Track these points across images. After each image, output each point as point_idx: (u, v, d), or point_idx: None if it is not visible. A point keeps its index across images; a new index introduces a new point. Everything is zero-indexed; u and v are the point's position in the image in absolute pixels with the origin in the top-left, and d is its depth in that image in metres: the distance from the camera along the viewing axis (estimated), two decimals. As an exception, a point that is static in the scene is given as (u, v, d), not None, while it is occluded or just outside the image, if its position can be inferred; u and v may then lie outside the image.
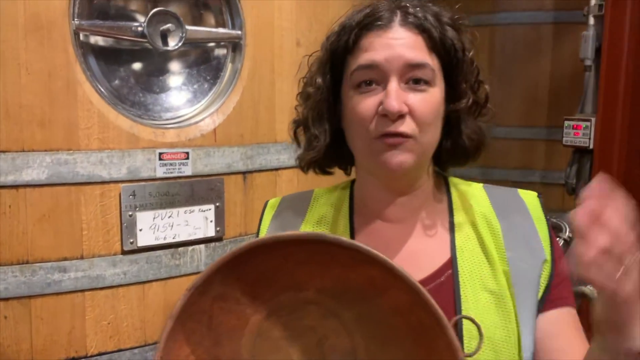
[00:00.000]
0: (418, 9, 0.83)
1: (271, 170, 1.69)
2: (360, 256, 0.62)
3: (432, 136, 0.85)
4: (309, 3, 1.71)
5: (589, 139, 2.26)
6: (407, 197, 0.89)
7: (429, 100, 0.82)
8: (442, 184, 0.95)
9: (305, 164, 0.93)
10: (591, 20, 2.25)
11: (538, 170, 3.23)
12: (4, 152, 1.29)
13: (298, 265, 0.67)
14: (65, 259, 1.37)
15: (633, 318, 0.62)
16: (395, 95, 0.79)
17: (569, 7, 2.92)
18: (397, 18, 0.82)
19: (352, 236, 0.90)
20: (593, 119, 2.25)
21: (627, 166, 2.20)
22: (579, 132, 2.29)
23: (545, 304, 0.86)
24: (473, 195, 0.92)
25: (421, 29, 0.82)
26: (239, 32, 1.58)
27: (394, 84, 0.80)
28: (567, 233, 2.72)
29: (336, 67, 0.87)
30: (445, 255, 0.86)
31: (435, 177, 0.93)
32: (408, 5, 0.84)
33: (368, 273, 0.64)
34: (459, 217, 0.90)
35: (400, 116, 0.80)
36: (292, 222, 0.94)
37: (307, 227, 0.93)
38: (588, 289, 2.11)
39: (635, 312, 0.62)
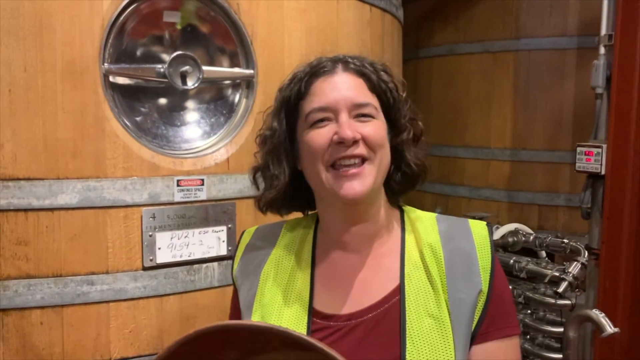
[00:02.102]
0: (356, 59, 0.98)
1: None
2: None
3: (385, 157, 0.96)
4: (317, 42, 1.86)
5: (601, 165, 2.30)
6: (361, 226, 0.99)
7: (376, 127, 0.96)
8: (397, 214, 1.05)
9: (265, 204, 1.03)
10: (602, 50, 2.30)
11: (563, 194, 3.25)
12: (41, 179, 1.49)
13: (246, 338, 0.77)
14: (93, 273, 1.56)
15: None
16: (348, 125, 0.92)
17: (591, 33, 2.96)
18: (340, 66, 0.97)
19: (313, 266, 1.01)
20: (604, 146, 2.29)
21: (640, 192, 2.23)
22: (591, 159, 2.33)
23: (477, 337, 0.93)
24: (423, 225, 1.01)
25: (360, 74, 0.97)
26: (252, 72, 1.75)
27: (344, 116, 0.93)
28: (585, 257, 2.74)
29: (290, 114, 0.99)
30: (394, 283, 0.96)
31: (389, 207, 1.03)
32: (347, 57, 0.98)
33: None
34: (409, 246, 0.99)
35: (355, 142, 0.92)
36: (263, 250, 1.06)
37: (276, 255, 1.04)
38: (594, 313, 2.15)
39: None
